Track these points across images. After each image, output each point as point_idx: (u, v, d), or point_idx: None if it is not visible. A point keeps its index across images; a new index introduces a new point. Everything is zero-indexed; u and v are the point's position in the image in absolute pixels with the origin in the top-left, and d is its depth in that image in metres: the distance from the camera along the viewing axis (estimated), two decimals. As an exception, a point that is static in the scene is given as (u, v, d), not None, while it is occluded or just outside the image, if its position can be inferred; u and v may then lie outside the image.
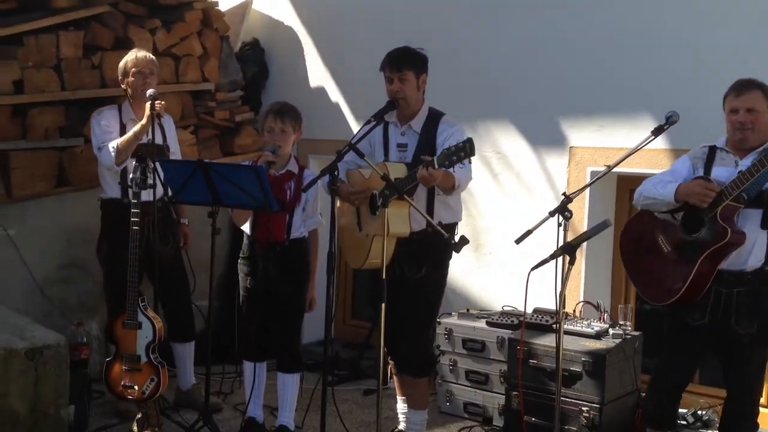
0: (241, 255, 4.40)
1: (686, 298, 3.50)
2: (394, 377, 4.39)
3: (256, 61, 6.26)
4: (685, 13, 4.55)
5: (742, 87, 3.51)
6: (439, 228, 3.80)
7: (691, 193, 3.48)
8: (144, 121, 4.33)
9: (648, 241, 3.66)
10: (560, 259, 3.44)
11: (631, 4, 4.73)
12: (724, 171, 3.52)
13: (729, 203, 3.40)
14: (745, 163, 3.47)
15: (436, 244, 3.96)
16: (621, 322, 4.45)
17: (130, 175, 4.20)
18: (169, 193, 4.28)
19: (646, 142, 3.60)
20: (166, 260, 4.58)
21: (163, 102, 4.39)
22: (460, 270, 5.22)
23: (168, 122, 4.69)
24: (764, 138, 3.50)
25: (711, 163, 3.60)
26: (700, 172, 3.60)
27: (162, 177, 4.23)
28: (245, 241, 4.38)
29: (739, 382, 3.57)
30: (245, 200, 3.90)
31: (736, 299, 3.48)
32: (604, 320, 4.49)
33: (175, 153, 4.74)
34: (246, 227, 4.32)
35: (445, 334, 4.79)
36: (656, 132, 3.56)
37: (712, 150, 3.60)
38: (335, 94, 6.00)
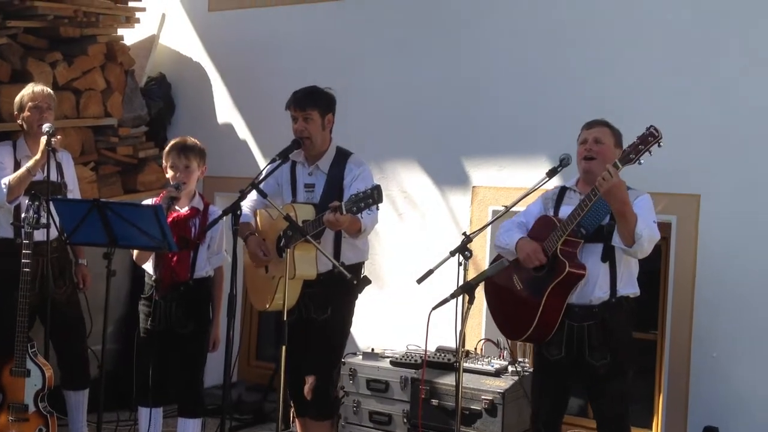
0: (142, 295, 4.30)
1: (538, 333, 3.64)
2: (297, 420, 4.34)
3: (162, 96, 6.18)
4: (581, 56, 4.74)
5: (593, 123, 3.78)
6: (343, 270, 3.80)
7: (522, 251, 3.67)
8: (38, 156, 4.20)
9: (504, 280, 3.80)
10: (460, 298, 3.50)
11: (530, 47, 4.90)
12: (569, 209, 3.69)
13: (568, 239, 3.57)
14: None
15: (342, 285, 3.95)
16: (520, 359, 4.54)
17: (23, 214, 4.06)
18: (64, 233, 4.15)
19: (541, 183, 3.74)
20: (61, 303, 4.43)
21: (59, 137, 4.28)
22: (366, 309, 5.19)
23: (66, 158, 4.56)
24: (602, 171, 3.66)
25: (560, 202, 3.79)
26: (552, 212, 3.78)
27: (55, 215, 4.10)
28: (147, 280, 4.28)
29: (603, 413, 3.71)
30: (143, 241, 3.81)
31: (588, 332, 3.63)
32: (503, 357, 4.57)
33: (74, 191, 4.61)
34: (148, 266, 4.23)
35: (350, 374, 4.77)
36: (551, 173, 3.70)
37: (563, 190, 3.81)
38: (243, 131, 5.98)
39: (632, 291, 3.71)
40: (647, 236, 3.48)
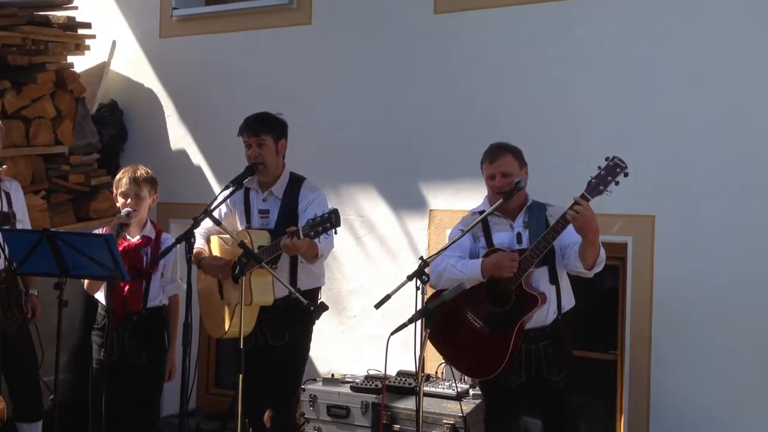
0: (94, 326, 4.22)
1: (508, 365, 3.63)
2: (256, 448, 4.27)
3: (114, 123, 6.09)
4: (531, 83, 4.79)
5: (494, 154, 3.76)
6: (299, 296, 3.77)
7: (499, 266, 3.59)
8: None
9: (456, 319, 3.72)
10: (419, 322, 3.48)
11: (482, 74, 4.94)
12: (504, 236, 3.73)
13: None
14: (518, 224, 3.72)
15: (299, 311, 3.91)
16: (482, 382, 4.52)
17: (-30, 246, 3.97)
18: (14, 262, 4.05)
19: (497, 206, 3.72)
20: (11, 334, 4.31)
21: (5, 166, 4.18)
22: (326, 334, 5.17)
23: (14, 188, 4.47)
24: (524, 197, 3.74)
25: (489, 231, 3.78)
26: (482, 242, 3.77)
27: (3, 245, 4.00)
28: (100, 310, 4.20)
29: (564, 426, 3.75)
30: (95, 271, 3.73)
31: (544, 352, 3.68)
32: (464, 381, 4.55)
33: (23, 220, 4.50)
34: (100, 296, 4.15)
35: (310, 400, 4.71)
36: (506, 197, 3.68)
37: (482, 216, 3.72)
38: (197, 157, 5.92)
39: (571, 304, 3.79)
40: (603, 258, 3.60)
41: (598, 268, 3.60)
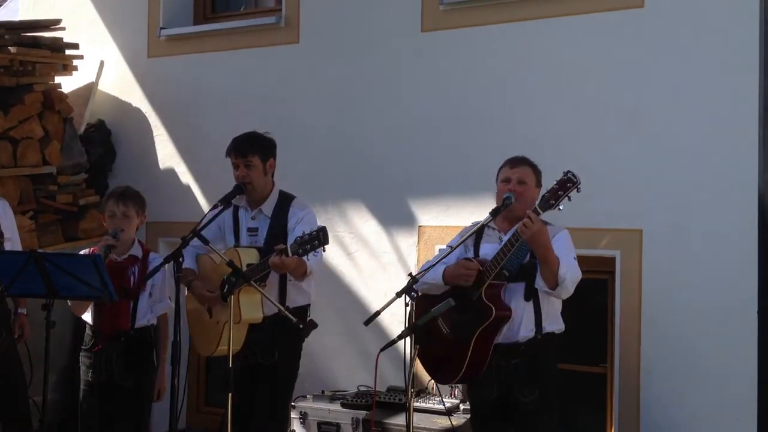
0: (82, 346, 4.20)
1: (468, 375, 3.64)
2: (247, 467, 4.25)
3: (102, 143, 6.09)
4: (521, 98, 4.83)
5: (517, 162, 3.80)
6: (288, 314, 3.77)
7: (456, 274, 3.64)
8: None
9: (430, 326, 3.69)
10: (408, 338, 3.49)
11: (471, 89, 4.97)
12: (489, 247, 3.74)
13: (492, 282, 3.59)
14: (507, 237, 3.68)
15: (288, 328, 3.91)
16: (472, 398, 4.52)
17: (-42, 267, 3.94)
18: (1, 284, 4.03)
19: (486, 221, 3.74)
20: (-1, 354, 4.30)
21: None
22: (316, 351, 5.17)
23: (2, 207, 4.45)
24: (524, 209, 3.63)
25: (479, 240, 3.81)
26: (471, 252, 3.80)
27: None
28: (87, 331, 4.18)
29: None
30: (83, 291, 3.72)
31: (515, 370, 3.64)
32: (455, 395, 4.56)
33: (12, 239, 4.48)
34: (87, 317, 4.14)
35: (300, 417, 4.70)
36: (494, 213, 3.70)
37: (481, 228, 3.76)
38: (185, 176, 5.92)
39: (557, 327, 3.75)
40: (570, 278, 3.54)
41: (564, 290, 3.54)
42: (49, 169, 5.54)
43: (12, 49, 5.40)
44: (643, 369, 4.41)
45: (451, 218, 4.95)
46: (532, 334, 3.65)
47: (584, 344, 4.76)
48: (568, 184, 3.45)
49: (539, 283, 3.58)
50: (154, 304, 4.24)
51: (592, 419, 4.83)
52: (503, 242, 3.63)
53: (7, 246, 4.35)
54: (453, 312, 3.63)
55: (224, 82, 5.81)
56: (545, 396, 3.65)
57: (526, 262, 3.62)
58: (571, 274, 3.53)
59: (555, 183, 3.49)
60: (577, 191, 3.46)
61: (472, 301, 3.61)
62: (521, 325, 3.64)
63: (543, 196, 3.51)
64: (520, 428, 3.74)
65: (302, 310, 4.12)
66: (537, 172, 3.81)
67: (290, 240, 3.83)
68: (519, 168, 3.77)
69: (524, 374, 3.63)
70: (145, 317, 4.17)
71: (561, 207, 3.46)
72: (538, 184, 3.79)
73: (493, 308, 3.55)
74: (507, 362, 3.64)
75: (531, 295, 3.64)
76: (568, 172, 3.48)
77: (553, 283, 3.52)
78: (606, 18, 4.64)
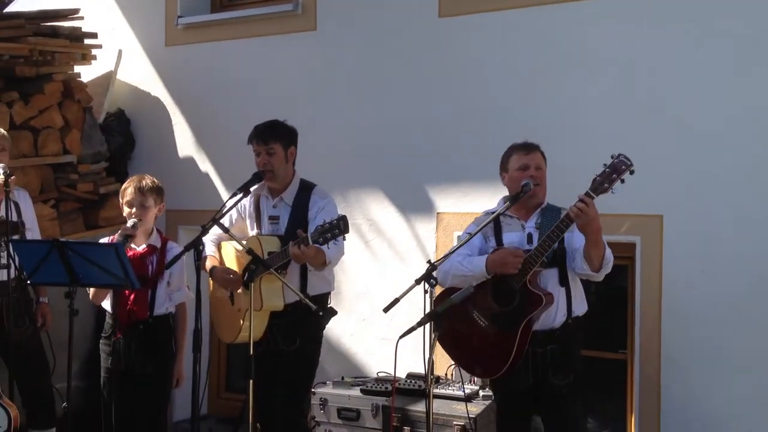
0: (102, 334, 4.25)
1: (513, 366, 3.62)
2: (268, 453, 4.29)
3: (122, 132, 6.13)
4: (538, 85, 4.80)
5: (529, 147, 3.80)
6: (308, 302, 3.79)
7: (503, 262, 3.60)
8: None
9: (463, 318, 3.71)
10: (428, 325, 3.49)
11: (490, 75, 4.95)
12: (514, 236, 3.73)
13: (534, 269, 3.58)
14: (530, 224, 3.70)
15: (309, 316, 3.93)
16: (492, 384, 4.52)
17: (-19, 256, 4.01)
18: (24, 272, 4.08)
19: (504, 209, 3.74)
20: (22, 343, 4.35)
21: (14, 176, 4.22)
22: (335, 338, 5.20)
23: (23, 198, 4.50)
24: (544, 197, 3.75)
25: (499, 230, 3.78)
26: (492, 241, 3.77)
27: (15, 256, 4.03)
28: (107, 319, 4.22)
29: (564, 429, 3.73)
30: (105, 279, 3.76)
31: (551, 355, 3.65)
32: (474, 382, 4.56)
33: (32, 229, 4.54)
34: (107, 305, 4.17)
35: (320, 404, 4.72)
36: (513, 200, 3.70)
37: (498, 216, 3.74)
38: (204, 164, 5.94)
39: (583, 310, 3.78)
40: (610, 259, 3.57)
41: (606, 270, 3.59)
42: (69, 158, 5.58)
43: (32, 39, 5.43)
44: (664, 355, 4.39)
45: (470, 204, 4.94)
46: (564, 318, 3.67)
47: (604, 330, 4.75)
48: (621, 166, 3.43)
49: (581, 267, 3.57)
50: (173, 292, 4.26)
51: (612, 406, 4.82)
52: (530, 227, 3.60)
53: (28, 235, 4.41)
54: (491, 304, 3.65)
55: (242, 69, 5.81)
56: (577, 380, 3.68)
57: (556, 248, 3.62)
58: (610, 255, 3.57)
59: (606, 166, 3.45)
60: (630, 173, 3.44)
61: (512, 290, 3.60)
62: (557, 311, 3.65)
63: (594, 179, 3.46)
64: (553, 413, 3.74)
65: (323, 298, 4.14)
66: (545, 157, 3.82)
67: (310, 229, 3.85)
68: (533, 154, 3.78)
69: (559, 359, 3.65)
70: (163, 306, 4.20)
71: (614, 190, 3.45)
72: (546, 168, 3.81)
73: (542, 294, 3.56)
74: (543, 348, 3.64)
75: (565, 280, 3.66)
76: (620, 155, 3.45)
77: (599, 266, 3.53)
78: (626, 2, 4.60)
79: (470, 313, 3.71)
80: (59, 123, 5.55)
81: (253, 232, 4.19)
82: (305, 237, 3.68)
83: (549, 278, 3.67)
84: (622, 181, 3.45)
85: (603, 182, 3.45)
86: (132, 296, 4.05)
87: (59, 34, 5.67)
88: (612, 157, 3.47)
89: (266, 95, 5.62)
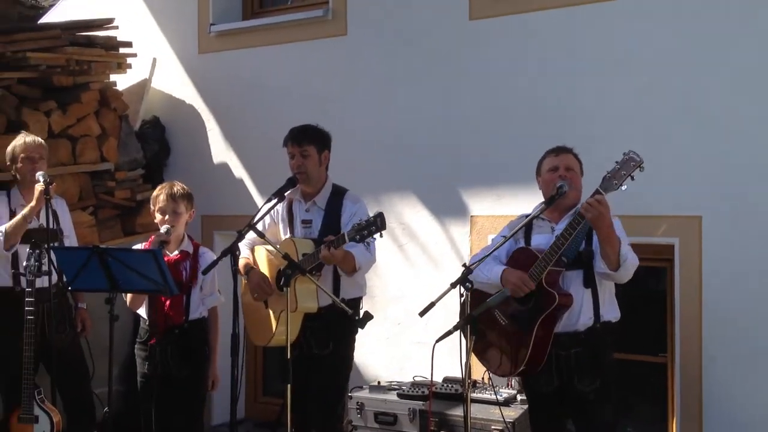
0: (138, 339, 4.30)
1: (531, 366, 3.60)
2: (305, 456, 4.30)
3: (157, 139, 6.20)
4: (573, 86, 4.76)
5: (560, 149, 3.80)
6: (343, 305, 3.80)
7: (509, 282, 3.60)
8: (33, 203, 4.21)
9: (485, 315, 3.67)
10: (464, 329, 3.48)
11: (522, 78, 4.93)
12: (542, 238, 3.71)
13: (551, 269, 3.54)
14: (560, 227, 3.67)
15: (343, 320, 3.95)
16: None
17: (24, 263, 4.08)
18: (64, 279, 4.14)
19: (540, 211, 3.72)
20: (63, 348, 4.40)
21: (54, 184, 4.29)
22: (370, 342, 5.19)
23: (60, 205, 4.57)
24: (577, 199, 3.70)
25: (530, 232, 3.78)
26: (521, 242, 3.76)
27: (55, 263, 4.10)
28: (142, 324, 4.27)
29: None
30: (143, 285, 3.81)
31: (575, 359, 3.61)
32: (511, 386, 4.54)
33: (69, 236, 4.61)
34: (142, 311, 4.22)
35: (357, 408, 4.72)
36: (548, 202, 3.68)
37: (531, 219, 3.73)
38: (239, 170, 5.99)
39: (614, 316, 3.72)
40: (630, 260, 3.51)
41: (626, 272, 3.51)
42: (106, 166, 5.66)
43: (68, 49, 5.51)
44: (705, 359, 4.33)
45: (504, 207, 4.92)
46: (591, 322, 3.63)
47: (643, 334, 4.70)
48: (631, 163, 3.41)
49: (600, 267, 3.54)
50: (205, 297, 4.31)
51: (652, 411, 4.76)
52: (560, 229, 3.59)
53: (65, 243, 4.47)
54: (511, 302, 3.62)
55: (274, 75, 5.85)
56: (606, 386, 3.63)
57: (582, 249, 3.59)
58: (631, 256, 3.52)
59: (617, 163, 3.44)
60: (640, 170, 3.41)
61: (532, 289, 3.58)
62: (581, 313, 3.62)
63: (605, 176, 3.46)
64: (580, 418, 3.71)
65: (354, 302, 4.15)
66: (579, 161, 3.80)
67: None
68: (563, 155, 3.77)
69: (585, 363, 3.61)
70: (197, 310, 4.25)
71: (624, 187, 3.42)
72: (581, 172, 3.79)
73: (556, 294, 3.53)
74: (567, 351, 3.62)
75: (590, 282, 3.63)
76: (630, 151, 3.43)
77: (616, 264, 3.49)
78: (659, 1, 4.55)
79: (492, 311, 3.70)
80: (96, 131, 5.63)
81: (285, 236, 4.22)
82: (334, 240, 3.72)
83: (572, 279, 3.63)
84: (632, 178, 3.42)
85: (612, 179, 3.43)
86: (168, 302, 4.09)
87: (95, 44, 5.75)
88: (623, 154, 3.45)
89: (298, 100, 5.64)
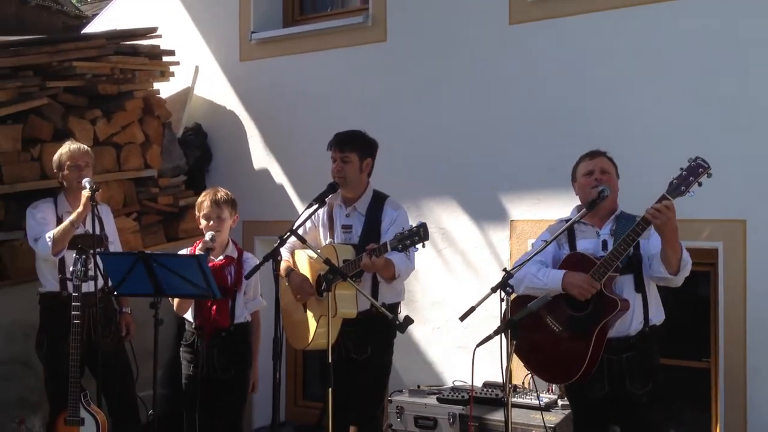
0: (183, 342, 4.36)
1: (587, 372, 3.58)
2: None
3: (199, 146, 6.28)
4: (610, 89, 4.74)
5: (594, 153, 3.81)
6: (383, 310, 3.81)
7: (575, 286, 3.57)
8: (80, 209, 4.29)
9: (536, 323, 3.66)
10: (504, 333, 3.47)
11: (559, 82, 4.91)
12: (588, 243, 3.70)
13: (609, 274, 3.53)
14: (605, 231, 3.67)
15: (381, 325, 3.97)
16: (570, 393, 4.46)
17: (71, 268, 4.16)
18: (109, 283, 4.22)
19: (581, 215, 3.70)
20: (108, 352, 4.48)
21: (100, 190, 4.37)
22: (410, 346, 5.21)
23: (105, 212, 4.65)
24: (614, 202, 3.71)
25: (573, 236, 3.76)
26: (566, 248, 3.75)
27: (102, 268, 4.17)
28: (187, 328, 4.34)
29: None
30: (188, 289, 3.87)
31: (627, 364, 3.60)
32: (552, 391, 4.51)
33: (114, 242, 4.69)
34: (188, 315, 4.28)
35: (397, 412, 4.74)
36: (590, 206, 3.66)
37: (571, 226, 3.71)
38: (279, 176, 6.04)
39: (660, 318, 3.72)
40: (689, 263, 3.53)
41: (684, 273, 3.54)
42: (150, 173, 5.76)
43: (113, 58, 5.62)
44: (750, 364, 4.27)
45: (543, 212, 4.90)
46: (641, 326, 3.63)
47: (686, 338, 4.64)
48: (699, 169, 3.39)
49: (659, 270, 3.53)
50: (248, 301, 4.37)
51: (695, 417, 4.70)
52: (605, 234, 3.56)
53: (110, 249, 4.55)
54: (565, 309, 3.62)
55: (314, 82, 5.90)
56: (657, 388, 3.62)
57: (631, 254, 3.58)
58: (690, 261, 3.52)
59: (683, 169, 3.42)
60: (708, 176, 3.39)
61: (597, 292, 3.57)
62: (633, 318, 3.62)
63: (672, 182, 3.43)
64: (634, 422, 3.68)
65: (393, 307, 4.17)
66: (614, 164, 3.80)
67: (382, 241, 3.88)
68: (598, 159, 3.77)
69: (637, 367, 3.61)
70: (242, 314, 4.31)
71: (692, 193, 3.40)
72: (617, 175, 3.78)
73: (618, 299, 3.52)
74: (619, 356, 3.61)
75: (640, 286, 3.62)
76: (698, 157, 3.41)
77: (676, 269, 3.49)
78: (699, 3, 4.50)
79: (543, 318, 3.69)
80: (140, 138, 5.73)
81: (326, 241, 4.24)
82: (375, 249, 3.73)
83: (624, 284, 3.63)
84: (700, 184, 3.40)
85: (680, 185, 3.40)
86: (214, 306, 4.15)
87: (139, 53, 5.85)
88: (689, 161, 3.42)
89: (338, 106, 5.68)
